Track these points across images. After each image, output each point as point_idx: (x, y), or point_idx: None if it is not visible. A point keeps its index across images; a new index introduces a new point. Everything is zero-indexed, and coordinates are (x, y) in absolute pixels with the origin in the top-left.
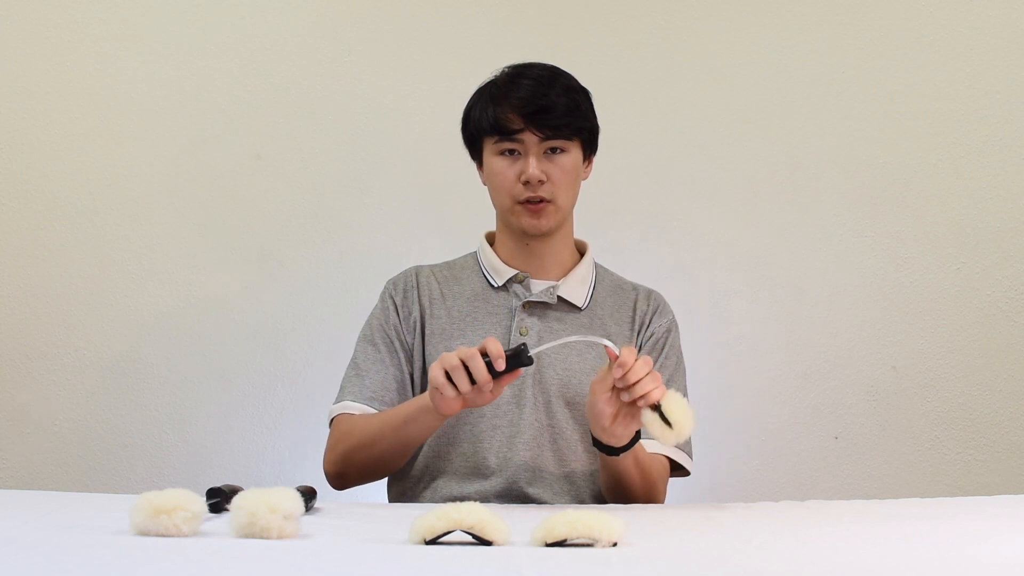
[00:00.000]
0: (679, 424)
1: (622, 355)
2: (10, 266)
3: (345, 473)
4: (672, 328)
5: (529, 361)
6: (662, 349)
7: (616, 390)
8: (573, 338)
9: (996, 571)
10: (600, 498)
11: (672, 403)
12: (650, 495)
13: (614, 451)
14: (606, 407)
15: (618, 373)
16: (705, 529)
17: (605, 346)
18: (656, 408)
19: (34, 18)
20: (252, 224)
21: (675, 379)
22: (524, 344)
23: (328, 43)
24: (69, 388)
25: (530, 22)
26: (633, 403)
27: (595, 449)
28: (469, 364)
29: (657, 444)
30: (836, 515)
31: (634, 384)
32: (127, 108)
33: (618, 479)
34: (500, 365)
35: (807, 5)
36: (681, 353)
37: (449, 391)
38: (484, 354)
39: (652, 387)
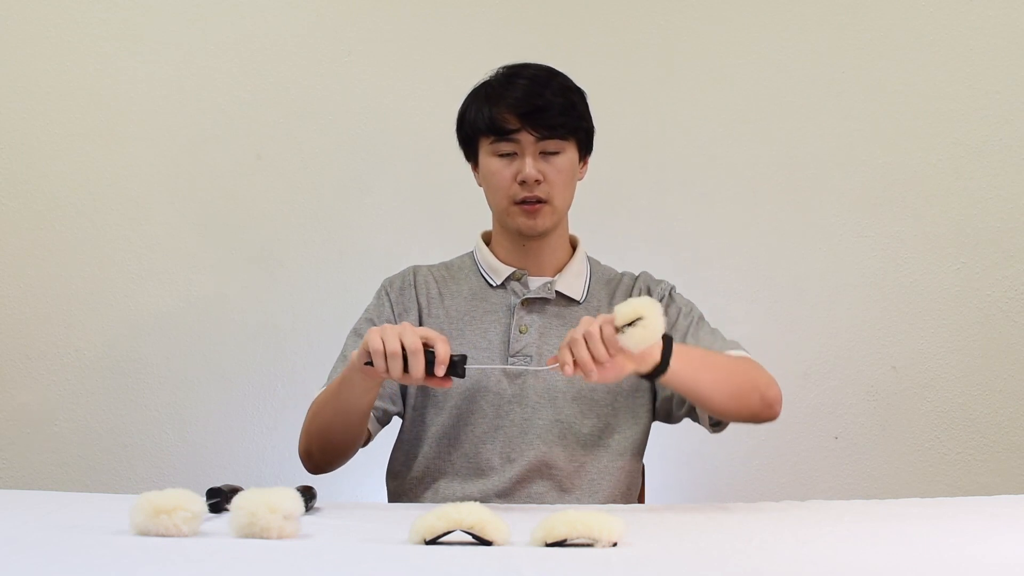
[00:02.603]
0: (640, 310)
1: (559, 358)
2: (10, 266)
3: (309, 450)
4: (671, 290)
5: (462, 375)
6: (677, 312)
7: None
8: (516, 367)
9: (996, 571)
10: (608, 493)
11: (620, 310)
12: (747, 376)
13: (663, 364)
14: (615, 371)
15: (568, 372)
16: (705, 529)
17: (550, 368)
18: (618, 329)
19: (34, 18)
20: (252, 224)
21: (701, 327)
22: (465, 356)
23: (328, 43)
24: (69, 388)
25: (530, 22)
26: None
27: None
28: (410, 358)
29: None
30: (836, 515)
31: (585, 362)
32: (127, 108)
33: (701, 386)
34: (440, 371)
35: (807, 5)
36: (691, 304)
37: (380, 365)
38: (427, 346)
39: (599, 345)
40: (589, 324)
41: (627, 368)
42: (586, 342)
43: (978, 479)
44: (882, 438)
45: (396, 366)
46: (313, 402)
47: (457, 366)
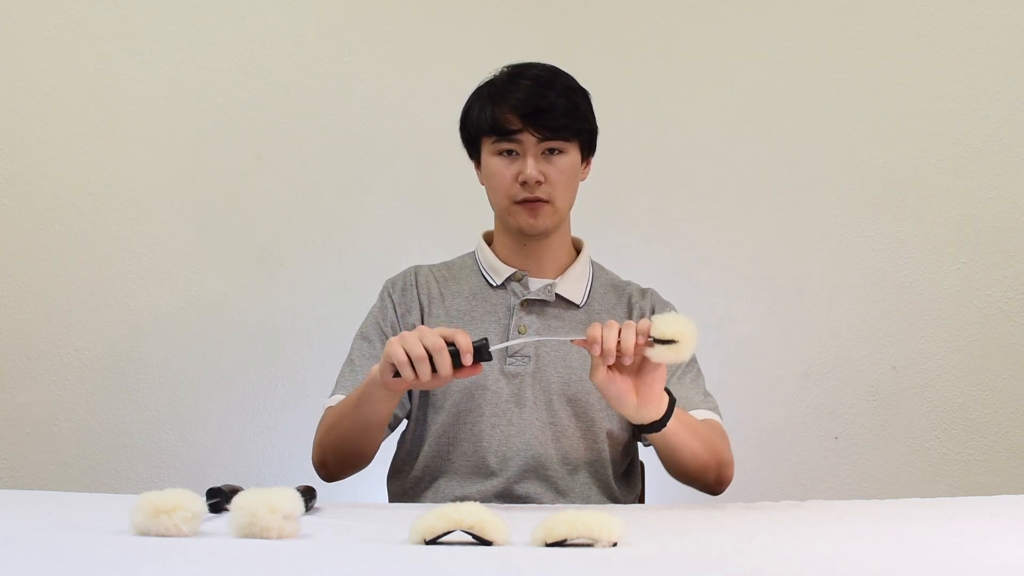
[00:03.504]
0: (679, 334)
1: (589, 333)
2: (10, 266)
3: (324, 460)
4: None
5: (489, 357)
6: None
7: (614, 368)
8: (534, 338)
9: (996, 571)
10: (604, 494)
11: (661, 325)
12: (715, 453)
13: (661, 423)
14: (621, 387)
15: (596, 351)
16: (705, 529)
17: (573, 341)
18: (653, 341)
19: (34, 18)
20: (252, 224)
21: (688, 370)
22: (486, 339)
23: (328, 43)
24: (69, 388)
25: (530, 22)
26: (642, 365)
27: (641, 441)
28: (435, 357)
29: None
30: (836, 515)
31: (616, 348)
32: (127, 108)
33: (680, 451)
34: (468, 360)
35: (807, 5)
36: None
37: (408, 374)
38: (448, 343)
39: (631, 338)
40: (628, 324)
41: (629, 397)
42: (620, 331)
43: (978, 479)
44: (882, 438)
45: (425, 370)
46: (325, 413)
47: (482, 351)
